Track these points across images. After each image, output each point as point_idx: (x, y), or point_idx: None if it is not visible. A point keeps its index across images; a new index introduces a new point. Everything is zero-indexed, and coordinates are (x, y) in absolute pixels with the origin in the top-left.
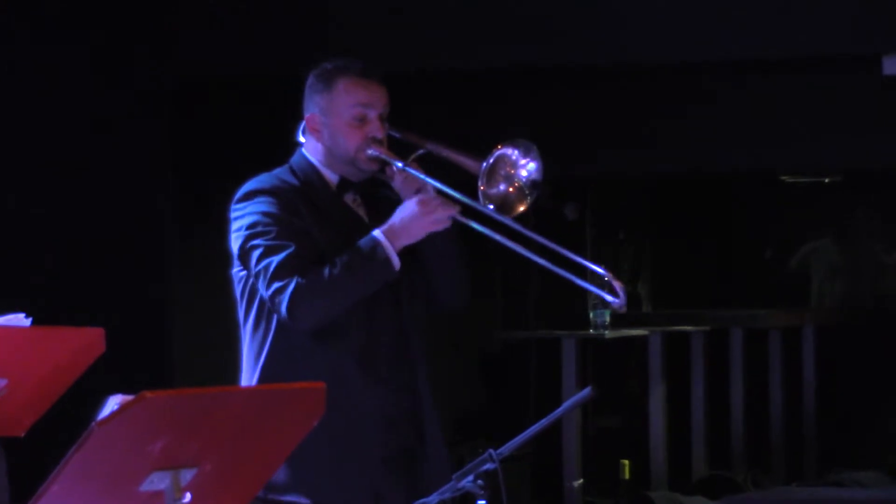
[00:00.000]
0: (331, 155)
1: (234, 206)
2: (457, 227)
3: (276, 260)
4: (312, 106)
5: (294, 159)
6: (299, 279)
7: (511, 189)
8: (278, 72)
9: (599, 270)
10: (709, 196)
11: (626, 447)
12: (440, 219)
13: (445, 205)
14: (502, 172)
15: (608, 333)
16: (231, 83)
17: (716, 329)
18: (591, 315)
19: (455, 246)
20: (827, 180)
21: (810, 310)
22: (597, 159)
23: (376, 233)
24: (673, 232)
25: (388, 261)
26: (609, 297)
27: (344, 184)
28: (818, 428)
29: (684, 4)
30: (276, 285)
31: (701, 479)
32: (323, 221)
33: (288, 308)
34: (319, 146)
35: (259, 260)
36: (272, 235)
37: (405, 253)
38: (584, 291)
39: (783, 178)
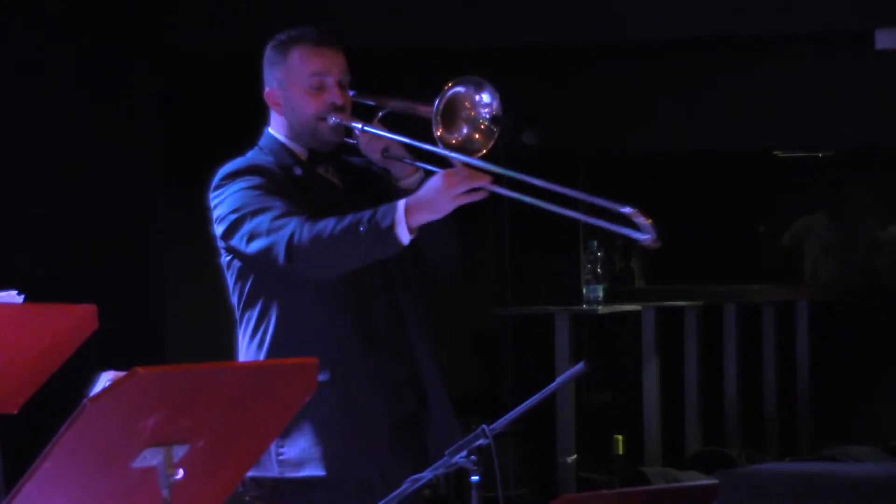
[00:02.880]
0: (294, 128)
1: (211, 194)
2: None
3: (268, 216)
4: (271, 80)
5: (262, 140)
6: (299, 221)
7: (476, 130)
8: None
9: (625, 210)
10: (702, 171)
11: (620, 422)
12: (464, 190)
13: (474, 176)
14: (463, 115)
15: (601, 309)
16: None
17: (709, 304)
18: (585, 290)
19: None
20: (820, 155)
21: (804, 285)
22: (591, 136)
23: (400, 203)
24: (666, 207)
25: (391, 232)
26: (638, 235)
27: (314, 156)
28: (812, 403)
29: None
30: (271, 234)
31: (694, 455)
32: (301, 194)
33: (286, 249)
34: (282, 120)
35: (249, 225)
36: (257, 205)
37: None
38: (578, 266)
39: (776, 153)
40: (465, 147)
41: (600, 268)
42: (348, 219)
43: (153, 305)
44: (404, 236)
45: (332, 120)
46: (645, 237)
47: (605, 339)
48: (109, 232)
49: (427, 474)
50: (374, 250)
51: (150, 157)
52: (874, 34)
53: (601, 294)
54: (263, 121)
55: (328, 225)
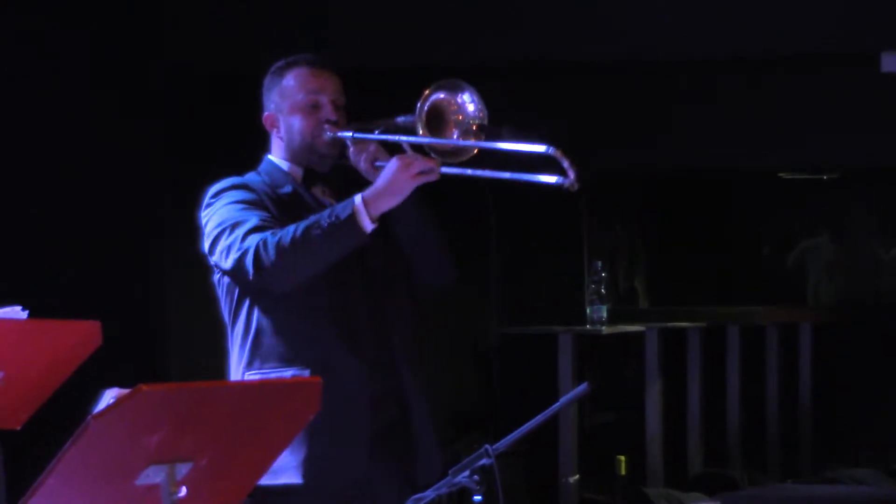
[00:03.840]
0: (291, 148)
1: (201, 213)
2: (432, 211)
3: (242, 231)
4: (269, 104)
5: (261, 166)
6: (266, 235)
7: (465, 133)
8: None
9: (539, 149)
10: (706, 192)
11: (623, 443)
12: (422, 170)
13: (425, 158)
14: (451, 119)
15: (605, 329)
16: (231, 83)
17: (712, 325)
18: (588, 310)
19: (429, 228)
20: (825, 177)
21: (807, 307)
22: (595, 155)
23: (356, 196)
24: (670, 228)
25: (353, 221)
26: (557, 179)
27: (310, 175)
28: (814, 425)
29: (683, 2)
30: (242, 248)
31: (697, 476)
32: (288, 213)
33: (254, 262)
34: (280, 143)
35: (226, 240)
36: (235, 219)
37: (378, 236)
38: (582, 286)
39: (781, 174)
40: (457, 152)
41: (604, 288)
42: (308, 220)
43: (153, 311)
44: (367, 224)
45: (328, 134)
46: (564, 180)
47: (608, 359)
48: (111, 236)
49: (429, 494)
50: (338, 244)
51: (149, 155)
52: (880, 57)
53: (605, 314)
54: (263, 131)
55: (289, 230)
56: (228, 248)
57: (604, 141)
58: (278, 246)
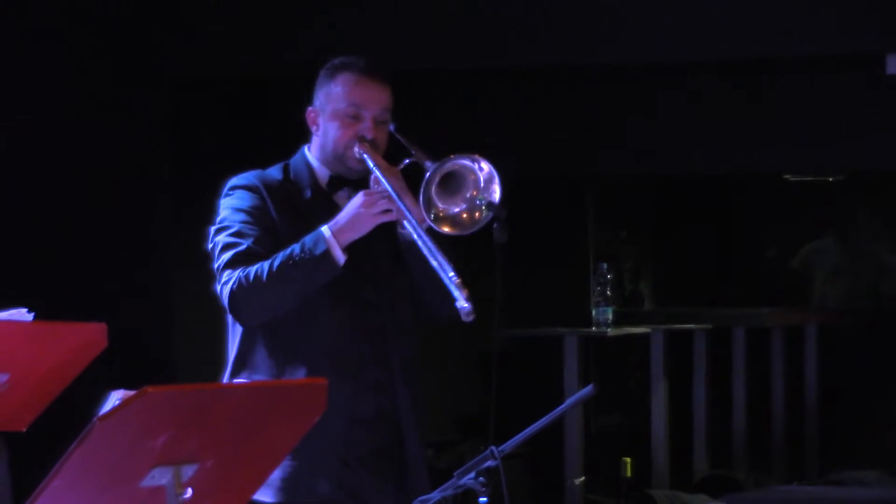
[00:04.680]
0: (324, 151)
1: (219, 203)
2: (446, 240)
3: (227, 257)
4: (315, 100)
5: (294, 157)
6: (241, 274)
7: (470, 211)
8: (278, 70)
9: (449, 275)
10: (711, 195)
11: (628, 445)
12: (385, 209)
13: (389, 201)
14: (467, 194)
15: (610, 331)
16: (231, 80)
17: (718, 327)
18: (594, 313)
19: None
20: (831, 179)
21: (812, 309)
22: (599, 159)
23: (324, 227)
24: (675, 230)
25: (328, 256)
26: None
27: (336, 181)
28: (820, 427)
29: (687, 3)
30: (222, 280)
31: (702, 478)
32: (299, 220)
33: (229, 304)
34: (317, 141)
35: (217, 257)
36: (233, 231)
37: (391, 258)
38: (587, 288)
39: (786, 177)
40: (454, 221)
41: (610, 290)
42: (280, 256)
43: (160, 313)
44: (340, 257)
45: (358, 152)
46: (463, 308)
47: (613, 361)
48: (116, 237)
49: (435, 495)
50: (312, 279)
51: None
52: (885, 59)
53: (610, 316)
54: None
55: (264, 267)
56: (215, 271)
57: (609, 143)
58: (252, 285)
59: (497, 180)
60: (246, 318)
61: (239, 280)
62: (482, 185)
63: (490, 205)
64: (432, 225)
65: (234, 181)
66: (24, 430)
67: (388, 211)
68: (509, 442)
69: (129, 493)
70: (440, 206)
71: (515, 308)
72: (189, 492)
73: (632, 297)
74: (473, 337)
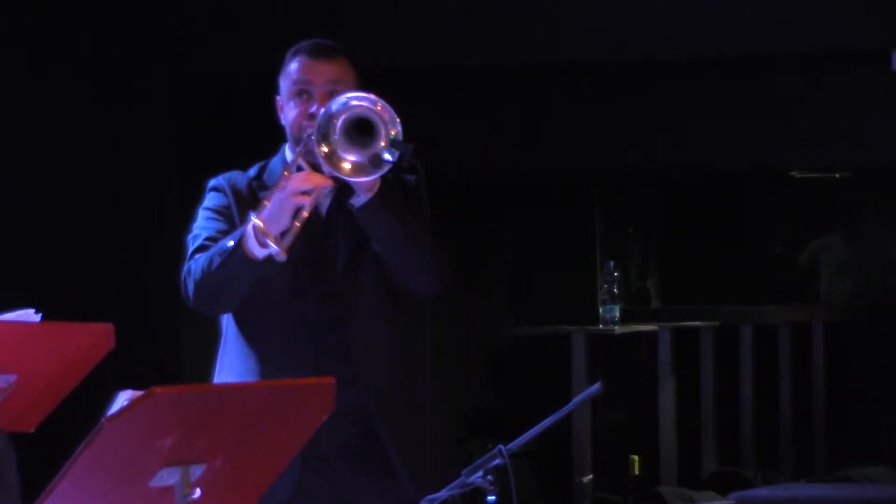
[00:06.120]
0: (291, 138)
1: None
2: (407, 212)
3: (188, 253)
4: (280, 88)
5: (275, 156)
6: (192, 265)
7: (373, 162)
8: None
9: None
10: (718, 192)
11: (636, 442)
12: (303, 191)
13: (310, 178)
14: (373, 141)
15: (618, 329)
16: (234, 81)
17: (725, 324)
18: (601, 310)
19: (407, 237)
20: (837, 176)
21: (820, 306)
22: (606, 156)
23: (252, 215)
24: (682, 227)
25: (241, 249)
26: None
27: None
28: (828, 424)
29: (696, 1)
30: (184, 273)
31: (710, 475)
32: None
33: (183, 292)
34: (287, 131)
35: (186, 256)
36: (196, 229)
37: (352, 246)
38: (594, 286)
39: (793, 173)
40: (358, 170)
41: (617, 288)
42: (216, 246)
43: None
44: (257, 251)
45: (309, 129)
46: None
47: (621, 359)
48: (122, 238)
49: (443, 494)
50: (243, 271)
51: (156, 154)
52: (891, 55)
53: (617, 314)
54: (268, 121)
55: (204, 259)
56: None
57: (616, 141)
58: (196, 276)
59: (398, 121)
60: (199, 304)
61: (189, 270)
62: (387, 128)
63: (394, 142)
64: (334, 172)
65: (210, 182)
66: (33, 431)
67: (307, 193)
68: (517, 440)
69: (138, 493)
70: (343, 153)
71: (523, 306)
72: (198, 492)
73: (639, 295)
74: (481, 334)
